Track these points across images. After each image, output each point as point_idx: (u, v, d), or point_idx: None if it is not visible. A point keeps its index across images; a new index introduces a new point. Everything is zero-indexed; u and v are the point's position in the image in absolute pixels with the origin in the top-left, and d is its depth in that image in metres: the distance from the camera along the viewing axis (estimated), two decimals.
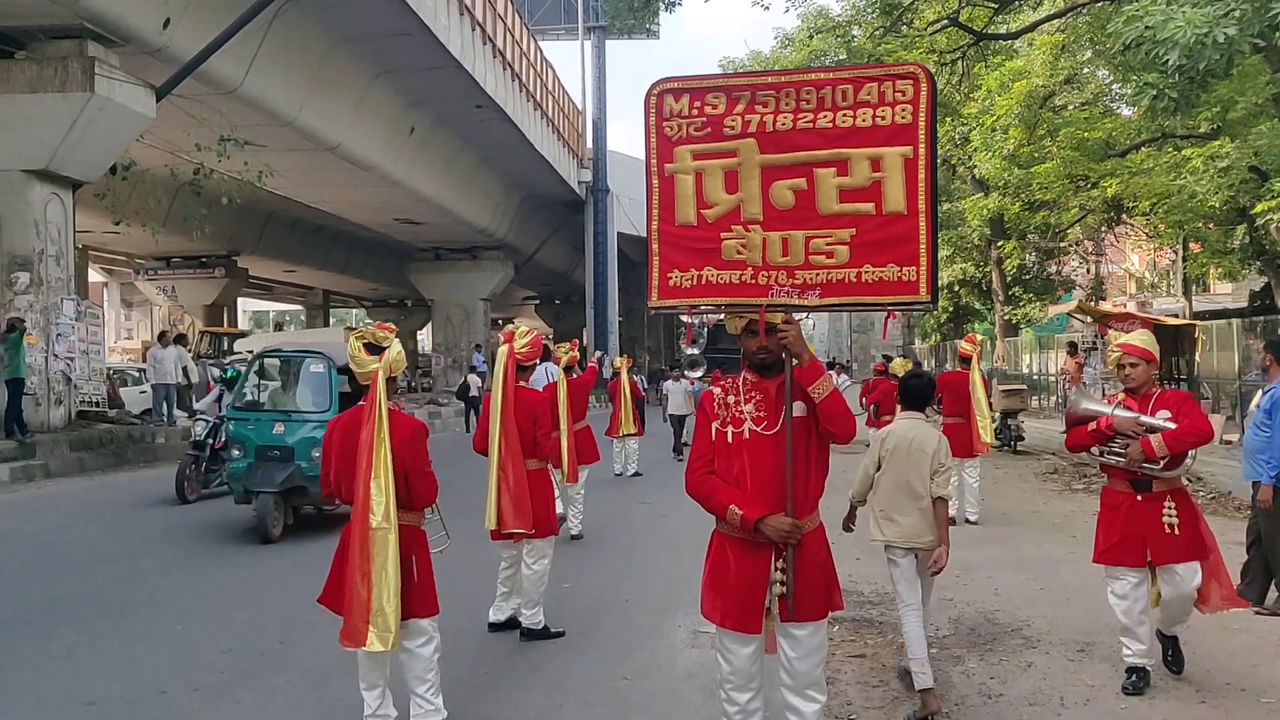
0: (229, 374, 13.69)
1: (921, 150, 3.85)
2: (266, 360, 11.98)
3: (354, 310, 70.63)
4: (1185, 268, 30.85)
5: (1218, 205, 19.44)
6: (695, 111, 4.02)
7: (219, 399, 13.33)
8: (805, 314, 4.04)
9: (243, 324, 58.21)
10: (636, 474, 15.90)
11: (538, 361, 7.19)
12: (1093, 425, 5.63)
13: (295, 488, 10.38)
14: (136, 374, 24.10)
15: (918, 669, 5.24)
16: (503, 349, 6.64)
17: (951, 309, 39.85)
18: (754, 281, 3.96)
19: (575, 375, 10.80)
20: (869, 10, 22.19)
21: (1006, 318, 33.47)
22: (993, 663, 6.13)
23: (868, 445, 6.19)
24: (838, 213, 3.90)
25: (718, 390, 4.07)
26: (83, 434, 16.64)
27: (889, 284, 3.87)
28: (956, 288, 37.41)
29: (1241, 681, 5.73)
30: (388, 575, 4.62)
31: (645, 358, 52.33)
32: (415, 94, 25.28)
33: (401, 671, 4.93)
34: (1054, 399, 27.80)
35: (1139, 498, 5.56)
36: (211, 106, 18.42)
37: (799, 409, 3.89)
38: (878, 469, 5.53)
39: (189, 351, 23.80)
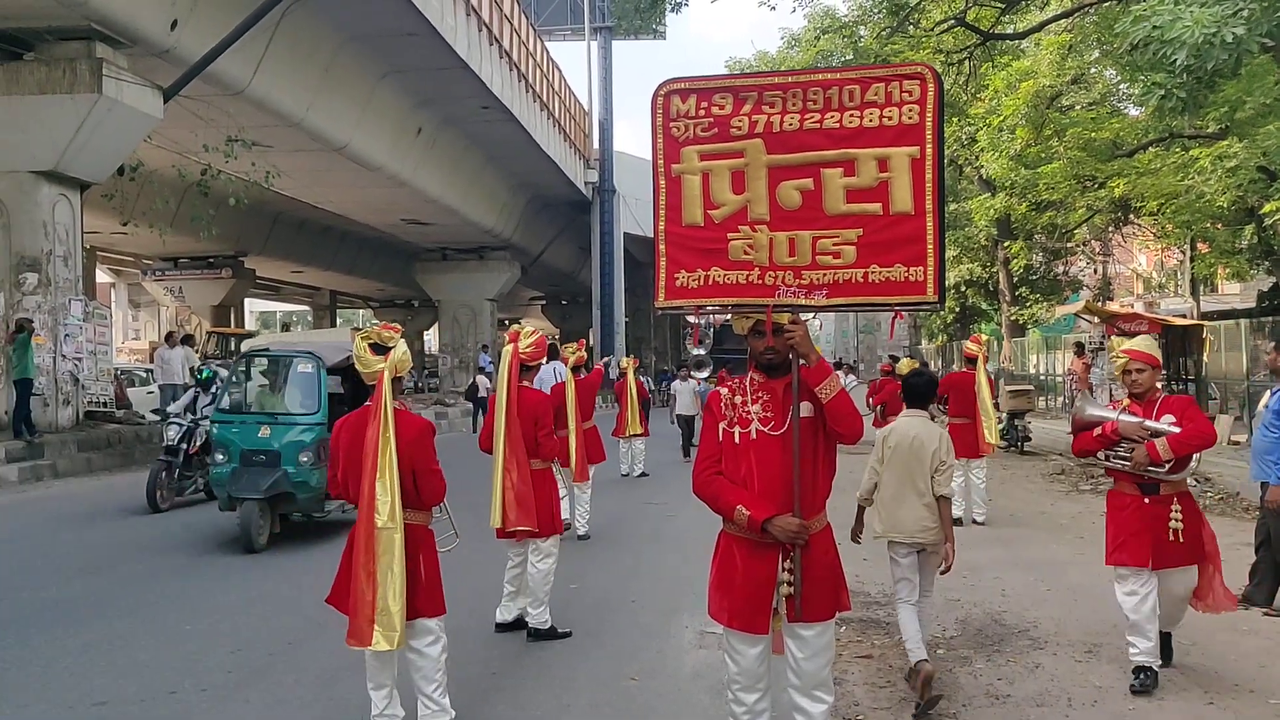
0: (204, 375, 13.20)
1: (929, 150, 3.85)
2: (253, 360, 11.48)
3: (361, 310, 70.70)
4: (1193, 268, 30.77)
5: (1226, 205, 19.38)
6: (702, 112, 4.03)
7: (193, 401, 12.88)
8: (812, 314, 4.04)
9: (250, 325, 58.35)
10: (643, 474, 15.89)
11: (543, 361, 7.20)
12: (1098, 431, 5.71)
13: (282, 494, 9.94)
14: (144, 374, 24.16)
15: (912, 647, 5.46)
16: (507, 349, 6.68)
17: (958, 309, 39.78)
18: (761, 282, 3.96)
19: (583, 375, 10.80)
20: (876, 10, 22.15)
21: (1013, 318, 33.41)
22: (1000, 664, 6.12)
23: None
24: (845, 213, 3.91)
25: (725, 391, 4.07)
26: (90, 434, 16.68)
27: (896, 284, 3.87)
28: (963, 288, 37.36)
29: (1250, 683, 5.72)
30: (393, 574, 4.63)
31: (651, 358, 52.34)
32: (422, 94, 25.31)
33: (409, 671, 4.93)
34: (1061, 399, 27.77)
35: (1146, 500, 5.61)
36: (219, 107, 18.47)
37: (806, 409, 3.89)
38: (881, 466, 5.61)
39: (196, 352, 23.84)
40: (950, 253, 32.36)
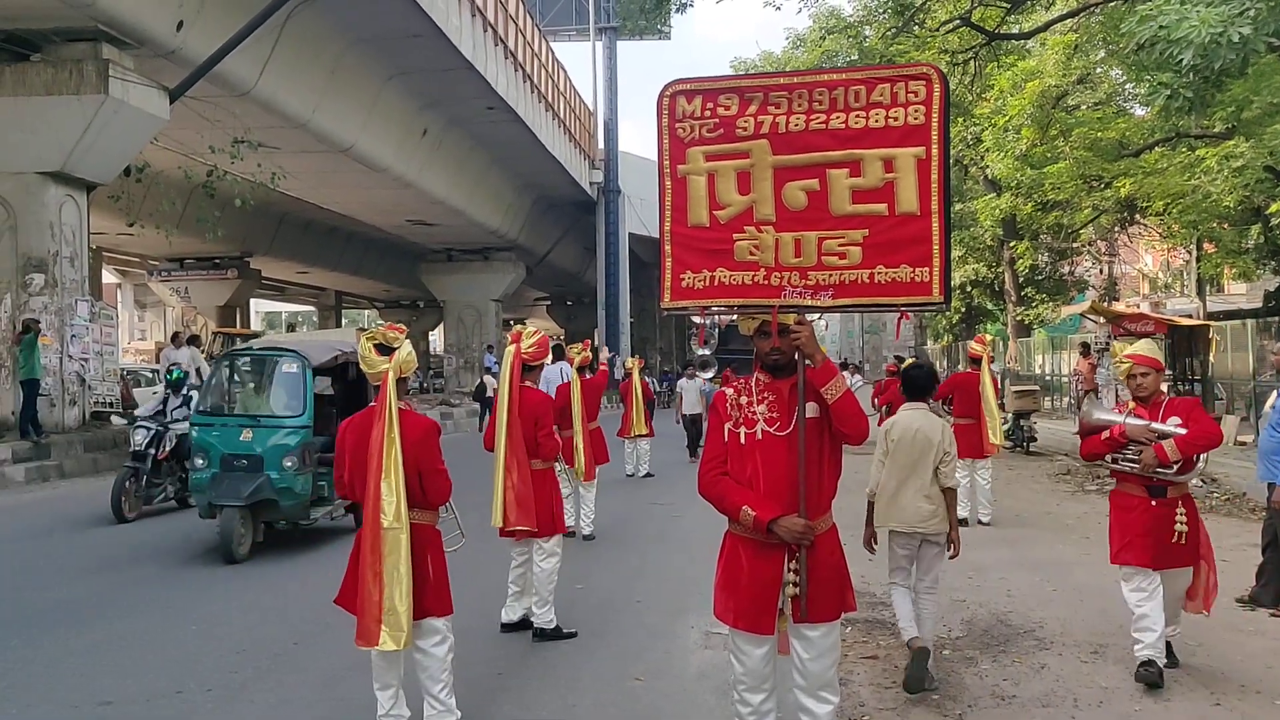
0: (174, 376, 12.54)
1: (934, 151, 3.85)
2: (235, 360, 10.97)
3: (366, 311, 70.78)
4: (1199, 268, 30.72)
5: (1232, 205, 19.37)
6: (708, 113, 4.03)
7: (163, 404, 12.23)
8: (818, 315, 4.04)
9: (256, 325, 58.48)
10: (648, 475, 15.89)
11: (546, 361, 7.22)
12: (1106, 434, 5.77)
13: (264, 501, 9.48)
14: (150, 375, 24.20)
15: (905, 626, 5.68)
16: (510, 349, 6.71)
17: (964, 310, 39.75)
18: (767, 282, 3.97)
19: (589, 375, 10.81)
20: (881, 10, 22.15)
21: (1019, 318, 33.37)
22: (1006, 664, 6.11)
23: None
24: (850, 214, 3.91)
25: (730, 391, 4.07)
26: (96, 434, 16.72)
27: (902, 285, 3.88)
28: (969, 288, 37.34)
29: (1257, 683, 5.71)
30: (400, 575, 4.64)
31: (656, 358, 52.34)
32: (428, 96, 25.33)
33: (415, 671, 4.94)
34: (1067, 400, 27.73)
35: (1153, 503, 5.68)
36: (225, 108, 18.50)
37: (812, 410, 3.90)
38: (886, 459, 5.73)
39: (202, 353, 23.87)
40: (955, 253, 32.37)
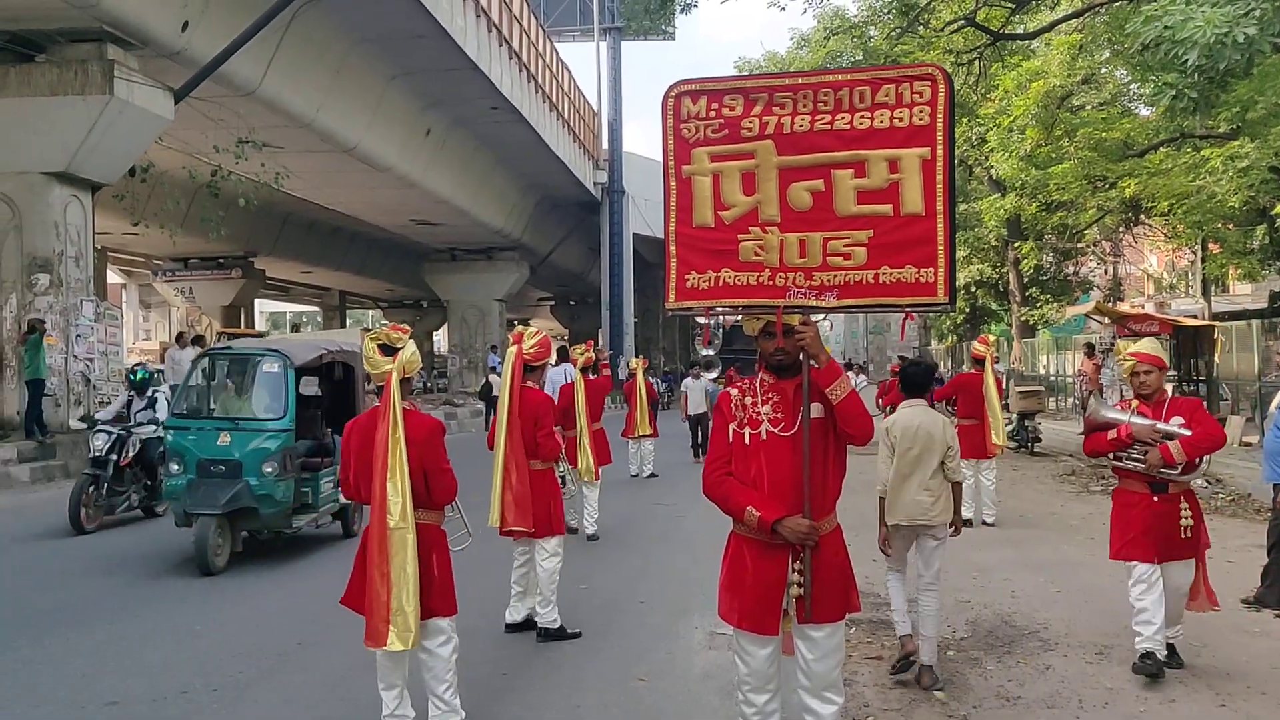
0: (138, 376, 11.85)
1: (939, 151, 3.85)
2: (213, 360, 10.37)
3: (370, 311, 70.80)
4: (1204, 268, 30.66)
5: (1237, 206, 19.32)
6: (713, 113, 4.03)
7: (126, 406, 11.62)
8: (823, 315, 4.04)
9: (260, 325, 58.45)
10: (652, 475, 15.89)
11: (550, 362, 7.22)
12: (1112, 433, 5.83)
13: (243, 509, 8.98)
14: (155, 375, 24.21)
15: (898, 619, 5.92)
16: (511, 350, 6.73)
17: (968, 310, 39.67)
18: (771, 283, 3.97)
19: (592, 376, 10.82)
20: (886, 11, 22.14)
21: (1023, 319, 33.32)
22: (1010, 665, 6.11)
23: None
24: (855, 214, 3.91)
25: (735, 391, 4.07)
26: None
27: (907, 285, 3.87)
28: (973, 289, 37.25)
29: (1262, 684, 5.70)
30: (406, 575, 4.64)
31: (660, 359, 52.33)
32: (432, 96, 25.34)
33: (420, 672, 4.94)
34: (1071, 400, 27.69)
35: (1155, 499, 5.77)
36: (229, 108, 18.51)
37: (816, 410, 3.90)
38: (894, 456, 5.83)
39: None
40: (960, 253, 32.28)
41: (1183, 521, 5.74)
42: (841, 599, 3.99)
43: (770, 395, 3.97)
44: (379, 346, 4.87)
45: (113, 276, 42.40)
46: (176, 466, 9.20)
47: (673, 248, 4.13)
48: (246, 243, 35.89)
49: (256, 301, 47.58)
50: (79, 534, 10.52)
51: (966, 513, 10.78)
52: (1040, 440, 18.88)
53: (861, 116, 3.89)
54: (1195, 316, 27.07)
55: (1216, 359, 20.67)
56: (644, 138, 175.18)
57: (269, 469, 9.04)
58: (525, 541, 6.81)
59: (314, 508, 9.81)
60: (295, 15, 17.44)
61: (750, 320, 4.08)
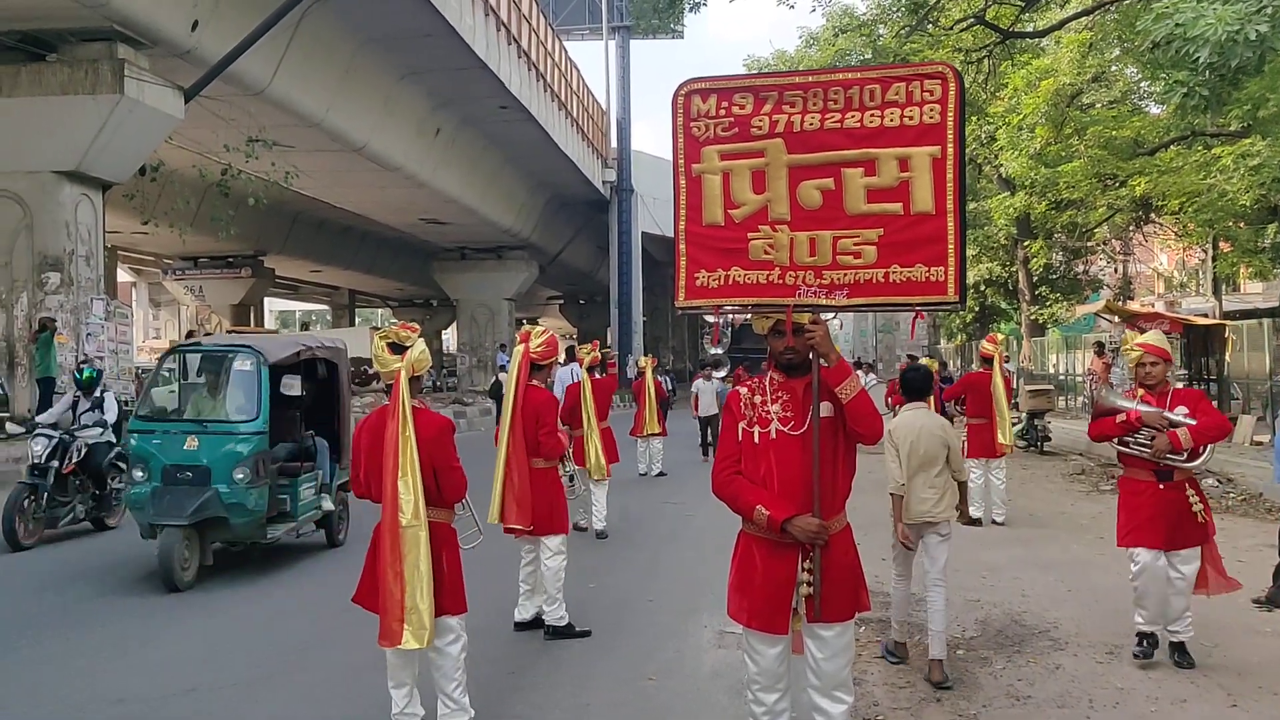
0: (84, 375, 10.97)
1: (950, 150, 3.85)
2: (181, 357, 9.75)
3: (379, 310, 70.98)
4: (1215, 267, 30.54)
5: (1248, 204, 19.24)
6: (723, 112, 4.03)
7: (71, 408, 10.71)
8: (832, 314, 4.04)
9: (269, 324, 58.68)
10: (661, 474, 15.88)
11: (557, 360, 7.24)
12: (1121, 417, 5.98)
13: (212, 519, 8.32)
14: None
15: (896, 625, 6.16)
16: (518, 348, 6.75)
17: (977, 309, 39.57)
18: (781, 281, 3.96)
19: (599, 375, 10.82)
20: (894, 9, 22.08)
21: (1033, 318, 33.23)
22: (1020, 664, 6.09)
23: None
24: (865, 213, 3.90)
25: (744, 390, 4.07)
26: None
27: (917, 284, 3.87)
28: (983, 287, 37.17)
29: (1273, 685, 5.68)
30: (420, 572, 4.65)
31: (669, 357, 52.32)
32: (441, 95, 25.36)
33: (429, 670, 4.95)
34: (1081, 399, 27.60)
35: (1161, 486, 5.91)
36: (239, 107, 18.55)
37: (826, 409, 3.89)
38: (902, 456, 5.96)
39: None
40: (969, 252, 32.21)
41: (1194, 507, 5.88)
42: (851, 598, 3.98)
43: (780, 394, 3.97)
44: (388, 345, 4.87)
45: (123, 275, 42.60)
46: (140, 473, 8.48)
47: (682, 246, 4.12)
48: (256, 241, 35.98)
49: (266, 300, 47.79)
50: (15, 550, 9.53)
51: (976, 512, 10.79)
52: (1050, 439, 18.81)
53: (872, 115, 3.89)
54: (1206, 315, 26.97)
55: (1227, 358, 20.60)
56: (653, 136, 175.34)
57: (240, 475, 8.35)
58: (531, 540, 6.82)
59: (292, 516, 9.12)
60: (304, 15, 17.48)
61: (760, 319, 4.08)
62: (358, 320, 64.23)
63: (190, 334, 21.57)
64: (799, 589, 3.88)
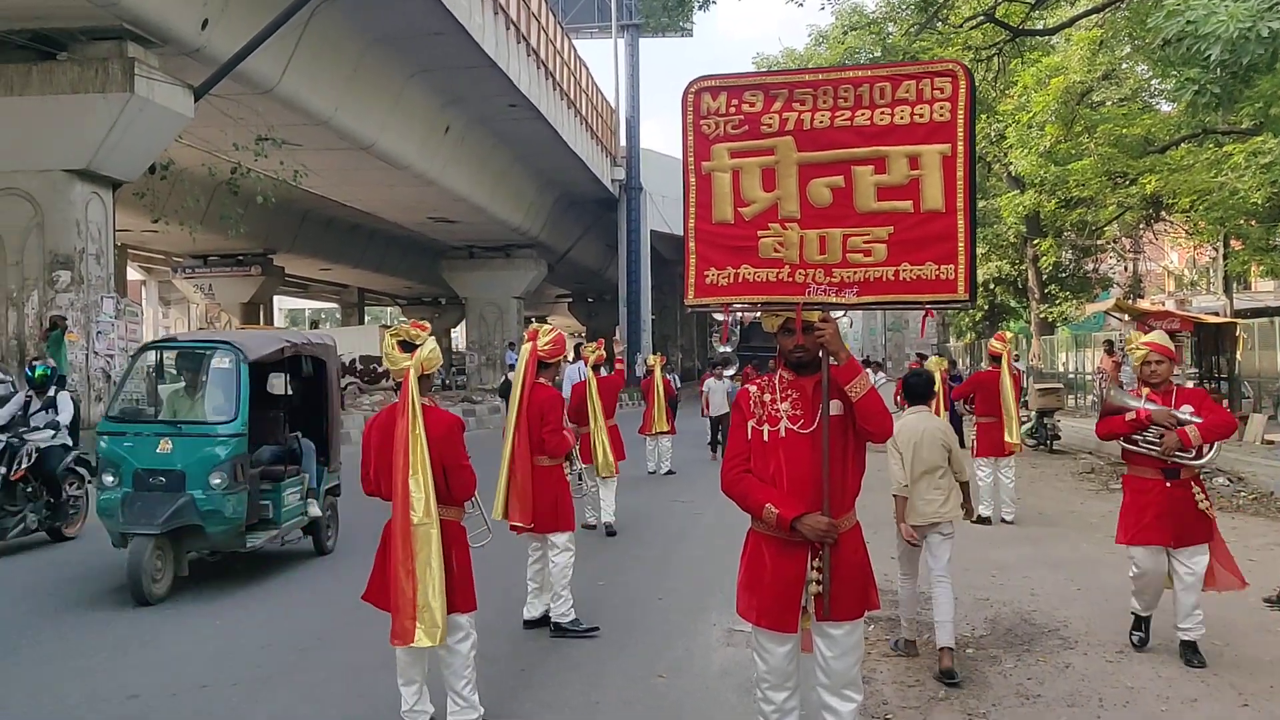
0: (37, 373, 10.33)
1: (960, 148, 3.84)
2: (156, 354, 9.18)
3: (388, 308, 71.07)
4: (1226, 265, 30.43)
5: (1260, 202, 19.15)
6: (732, 109, 4.02)
7: (24, 408, 10.05)
8: (842, 312, 4.03)
9: (279, 322, 58.77)
10: (670, 472, 15.89)
11: (563, 358, 7.25)
12: (1130, 416, 6.02)
13: (187, 527, 7.83)
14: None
15: (905, 624, 6.29)
16: (526, 346, 6.78)
17: (987, 307, 39.46)
18: (791, 280, 3.96)
19: (604, 373, 10.84)
20: (904, 7, 22.03)
21: (1042, 316, 33.13)
22: (1030, 663, 6.08)
23: None
24: (876, 211, 3.89)
25: (754, 389, 4.07)
26: None
27: (927, 282, 3.86)
28: (992, 286, 37.06)
29: None
30: (432, 570, 4.66)
31: (678, 356, 52.30)
32: (450, 93, 25.38)
33: (439, 668, 4.96)
34: (1090, 398, 27.53)
35: (1168, 484, 5.95)
36: (249, 106, 18.59)
37: (835, 407, 3.89)
38: (905, 459, 6.06)
39: None
40: (979, 250, 32.07)
41: (1200, 505, 5.94)
42: (861, 597, 3.98)
43: (789, 392, 3.97)
44: (399, 343, 4.89)
45: (133, 273, 42.71)
46: (111, 478, 7.95)
47: (692, 244, 4.12)
48: (265, 240, 36.04)
49: (275, 298, 47.85)
50: None
51: (986, 510, 10.78)
52: (1059, 438, 18.77)
53: (882, 113, 3.88)
54: (1217, 314, 26.89)
55: (1238, 356, 20.54)
56: (662, 134, 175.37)
57: (217, 480, 7.85)
58: (538, 537, 6.84)
59: (275, 523, 8.64)
60: (314, 13, 17.50)
61: (769, 317, 4.07)
62: (367, 318, 64.36)
63: (200, 332, 21.47)
64: (808, 587, 3.88)
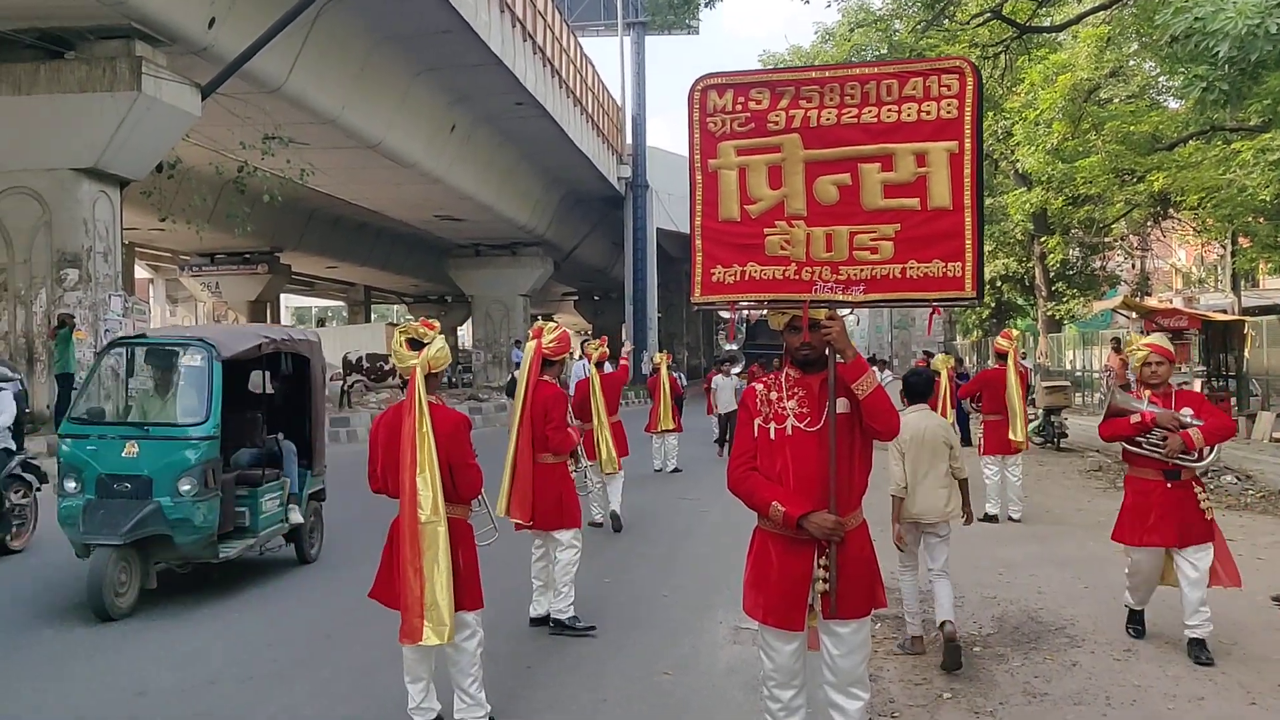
0: None
1: (967, 145, 3.83)
2: (125, 351, 8.46)
3: (395, 306, 71.19)
4: (1234, 262, 30.35)
5: (1268, 199, 19.10)
6: (739, 107, 4.01)
7: None
8: (849, 310, 4.03)
9: (286, 320, 58.89)
10: (676, 470, 15.88)
11: (567, 356, 7.26)
12: (1135, 418, 6.08)
13: (154, 536, 7.29)
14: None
15: (910, 619, 6.28)
16: (530, 344, 6.80)
17: (994, 305, 39.43)
18: (798, 277, 3.95)
19: (606, 371, 10.84)
20: (911, 4, 22.00)
21: (1050, 314, 33.09)
22: (1037, 661, 6.08)
23: None
24: (882, 208, 3.89)
25: (760, 387, 4.06)
26: None
27: (934, 280, 3.86)
28: (999, 283, 37.04)
29: None
30: (439, 568, 4.66)
31: (684, 354, 52.30)
32: (456, 91, 25.40)
33: (446, 666, 4.97)
34: (1098, 395, 27.48)
35: (1169, 485, 6.02)
36: (255, 105, 18.62)
37: (842, 405, 3.88)
38: (904, 459, 6.13)
39: None
40: (986, 247, 32.00)
41: (1202, 505, 6.01)
42: (867, 594, 3.98)
43: (796, 390, 3.96)
44: (407, 340, 4.89)
45: (140, 271, 42.81)
46: (73, 484, 7.43)
47: (698, 242, 4.12)
48: (272, 238, 36.12)
49: (282, 296, 48.01)
50: None
51: (993, 508, 10.76)
52: (1066, 436, 18.73)
53: (889, 110, 3.87)
54: (1225, 311, 26.82)
55: (1246, 354, 20.47)
56: (668, 132, 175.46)
57: (186, 486, 7.33)
58: (542, 535, 6.85)
59: (252, 531, 8.15)
60: (320, 11, 17.53)
61: (776, 315, 4.07)
62: (373, 316, 64.46)
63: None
64: (815, 585, 3.88)
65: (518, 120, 28.31)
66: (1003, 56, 21.58)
